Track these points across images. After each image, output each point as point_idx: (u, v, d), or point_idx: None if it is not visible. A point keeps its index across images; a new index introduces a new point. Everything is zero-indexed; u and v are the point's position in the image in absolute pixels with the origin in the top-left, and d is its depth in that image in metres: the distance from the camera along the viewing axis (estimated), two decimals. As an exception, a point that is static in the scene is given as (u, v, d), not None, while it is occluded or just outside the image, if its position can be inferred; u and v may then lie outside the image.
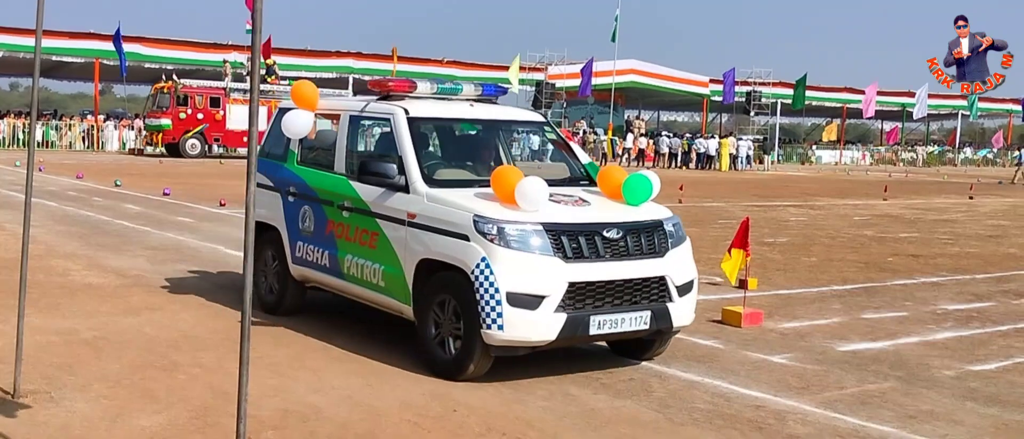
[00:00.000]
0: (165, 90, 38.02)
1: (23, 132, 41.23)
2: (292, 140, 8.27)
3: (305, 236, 8.06)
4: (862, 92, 61.42)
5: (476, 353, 6.41)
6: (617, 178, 7.15)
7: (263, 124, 39.53)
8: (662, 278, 6.74)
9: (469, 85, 8.25)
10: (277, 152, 8.66)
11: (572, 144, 8.43)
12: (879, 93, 61.08)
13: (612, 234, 6.58)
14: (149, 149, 39.80)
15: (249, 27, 41.26)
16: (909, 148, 70.34)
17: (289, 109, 7.82)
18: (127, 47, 41.81)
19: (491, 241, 6.31)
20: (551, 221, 6.47)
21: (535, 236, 6.37)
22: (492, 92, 8.32)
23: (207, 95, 38.14)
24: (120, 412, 5.63)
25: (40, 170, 23.92)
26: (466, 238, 6.42)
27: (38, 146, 37.49)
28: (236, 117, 37.97)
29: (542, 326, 6.29)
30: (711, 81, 59.88)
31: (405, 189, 7.02)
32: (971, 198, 30.08)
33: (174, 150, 37.56)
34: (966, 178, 44.56)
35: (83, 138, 43.32)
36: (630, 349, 7.31)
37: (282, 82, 39.74)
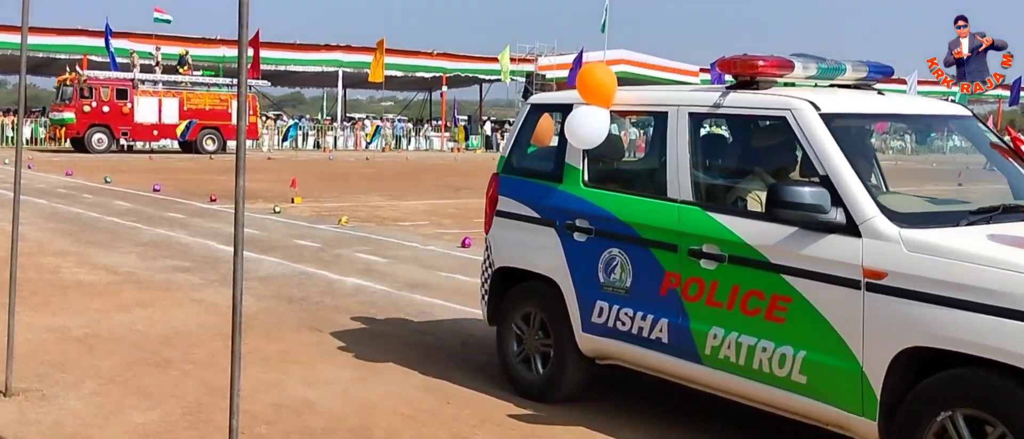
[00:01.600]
0: (68, 82, 36.47)
1: (12, 129, 41.02)
2: (570, 150, 5.83)
3: (611, 294, 5.58)
4: (851, 80, 61.55)
5: None
6: None
7: (171, 117, 37.76)
8: None
9: (848, 63, 5.67)
10: (539, 168, 6.14)
11: None
12: (869, 81, 61.22)
13: None
14: (40, 143, 38.62)
15: (157, 16, 40.72)
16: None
17: (562, 105, 5.82)
18: (115, 43, 41.61)
19: None
20: None
21: None
22: (876, 72, 5.79)
23: (113, 87, 36.51)
24: (113, 409, 5.63)
25: (29, 167, 23.83)
26: None
27: (27, 143, 37.34)
28: (145, 109, 36.70)
29: None
30: (701, 70, 59.93)
31: (849, 230, 4.58)
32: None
33: (80, 145, 35.82)
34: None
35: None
36: None
37: (195, 72, 39.00)
